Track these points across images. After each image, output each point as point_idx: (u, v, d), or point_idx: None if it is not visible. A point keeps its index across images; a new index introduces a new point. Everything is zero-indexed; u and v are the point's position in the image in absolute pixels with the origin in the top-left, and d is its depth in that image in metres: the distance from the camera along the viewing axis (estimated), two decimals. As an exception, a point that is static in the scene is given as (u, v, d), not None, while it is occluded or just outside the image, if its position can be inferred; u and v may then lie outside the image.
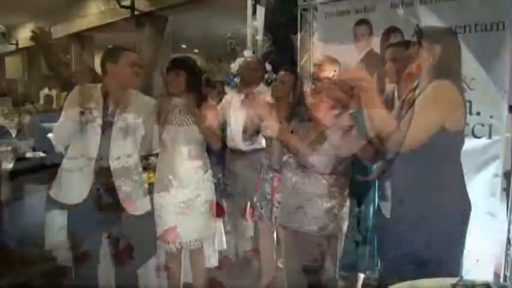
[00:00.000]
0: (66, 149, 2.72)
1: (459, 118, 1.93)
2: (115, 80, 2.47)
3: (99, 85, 2.52)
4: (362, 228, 2.80)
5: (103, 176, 2.44)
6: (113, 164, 2.46)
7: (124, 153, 2.50)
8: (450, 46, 1.99)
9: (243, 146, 3.38)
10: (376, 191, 2.84)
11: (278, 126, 2.32)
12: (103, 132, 2.45)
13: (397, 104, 2.51)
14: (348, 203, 2.37)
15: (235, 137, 3.42)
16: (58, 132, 2.55)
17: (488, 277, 2.69)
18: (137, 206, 2.55)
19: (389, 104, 2.44)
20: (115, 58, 2.47)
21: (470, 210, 1.98)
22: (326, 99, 2.33)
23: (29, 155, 4.54)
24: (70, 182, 2.48)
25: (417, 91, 2.03)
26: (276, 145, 2.45)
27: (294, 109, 2.83)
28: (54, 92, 10.94)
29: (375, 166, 2.57)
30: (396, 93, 2.66)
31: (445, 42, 1.98)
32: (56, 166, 2.62)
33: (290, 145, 2.32)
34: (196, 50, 16.53)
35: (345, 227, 2.36)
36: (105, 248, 2.69)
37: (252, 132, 3.00)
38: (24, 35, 14.45)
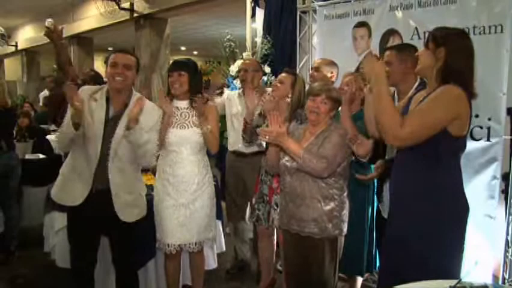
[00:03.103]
0: (66, 151, 2.71)
1: (462, 125, 1.91)
2: (108, 82, 2.46)
3: (105, 87, 2.50)
4: (362, 229, 2.81)
5: (103, 180, 2.42)
6: (112, 169, 2.42)
7: (124, 160, 2.46)
8: (459, 49, 1.90)
9: (244, 148, 3.38)
10: (375, 193, 2.85)
11: (276, 131, 2.23)
12: (103, 134, 2.41)
13: (397, 105, 2.51)
14: (347, 204, 2.37)
15: (237, 139, 3.42)
16: (63, 135, 2.44)
17: (487, 279, 2.70)
18: (132, 213, 2.51)
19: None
20: (107, 59, 2.45)
21: (468, 213, 1.97)
22: (324, 100, 2.33)
23: (28, 156, 4.53)
24: (70, 184, 2.46)
25: (421, 92, 2.02)
26: (274, 148, 2.43)
27: (293, 111, 2.83)
28: (53, 94, 10.95)
29: (373, 166, 2.58)
30: (396, 96, 2.67)
31: (454, 45, 1.90)
32: (56, 168, 2.61)
33: (288, 149, 2.30)
34: (195, 52, 16.58)
35: (345, 229, 2.36)
36: (105, 249, 2.70)
37: (253, 135, 3.00)
38: (23, 36, 14.48)
